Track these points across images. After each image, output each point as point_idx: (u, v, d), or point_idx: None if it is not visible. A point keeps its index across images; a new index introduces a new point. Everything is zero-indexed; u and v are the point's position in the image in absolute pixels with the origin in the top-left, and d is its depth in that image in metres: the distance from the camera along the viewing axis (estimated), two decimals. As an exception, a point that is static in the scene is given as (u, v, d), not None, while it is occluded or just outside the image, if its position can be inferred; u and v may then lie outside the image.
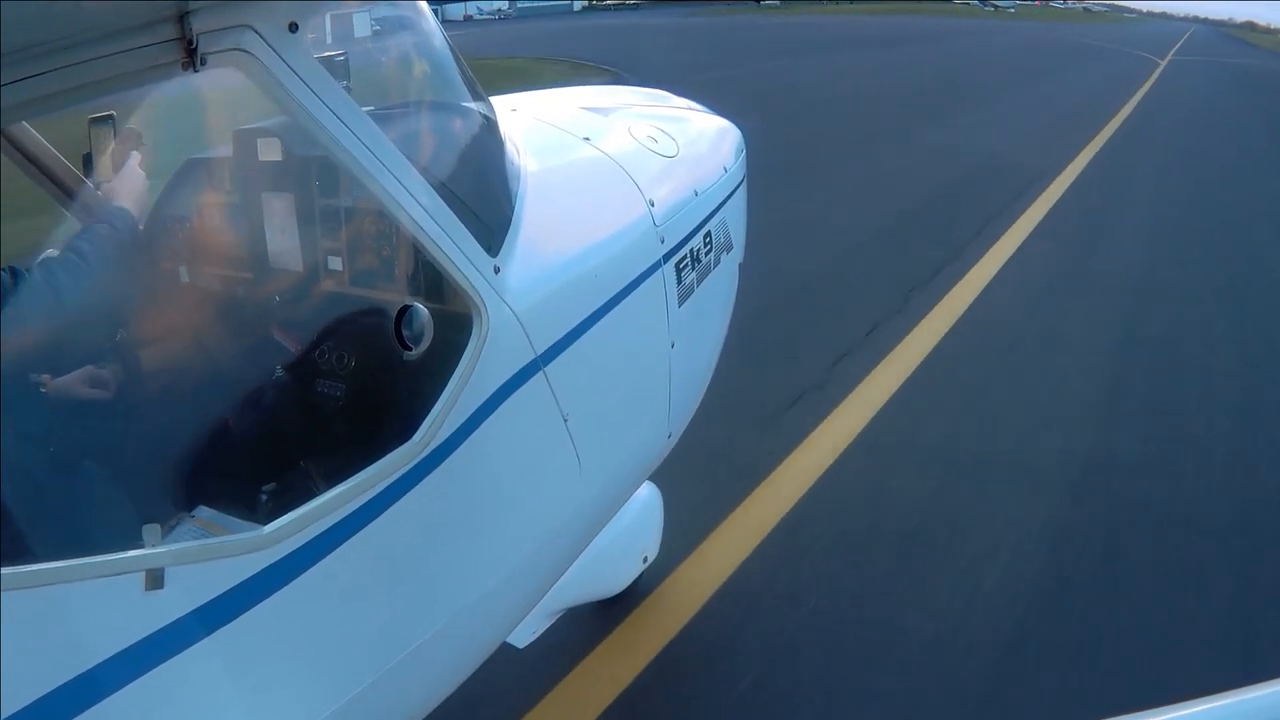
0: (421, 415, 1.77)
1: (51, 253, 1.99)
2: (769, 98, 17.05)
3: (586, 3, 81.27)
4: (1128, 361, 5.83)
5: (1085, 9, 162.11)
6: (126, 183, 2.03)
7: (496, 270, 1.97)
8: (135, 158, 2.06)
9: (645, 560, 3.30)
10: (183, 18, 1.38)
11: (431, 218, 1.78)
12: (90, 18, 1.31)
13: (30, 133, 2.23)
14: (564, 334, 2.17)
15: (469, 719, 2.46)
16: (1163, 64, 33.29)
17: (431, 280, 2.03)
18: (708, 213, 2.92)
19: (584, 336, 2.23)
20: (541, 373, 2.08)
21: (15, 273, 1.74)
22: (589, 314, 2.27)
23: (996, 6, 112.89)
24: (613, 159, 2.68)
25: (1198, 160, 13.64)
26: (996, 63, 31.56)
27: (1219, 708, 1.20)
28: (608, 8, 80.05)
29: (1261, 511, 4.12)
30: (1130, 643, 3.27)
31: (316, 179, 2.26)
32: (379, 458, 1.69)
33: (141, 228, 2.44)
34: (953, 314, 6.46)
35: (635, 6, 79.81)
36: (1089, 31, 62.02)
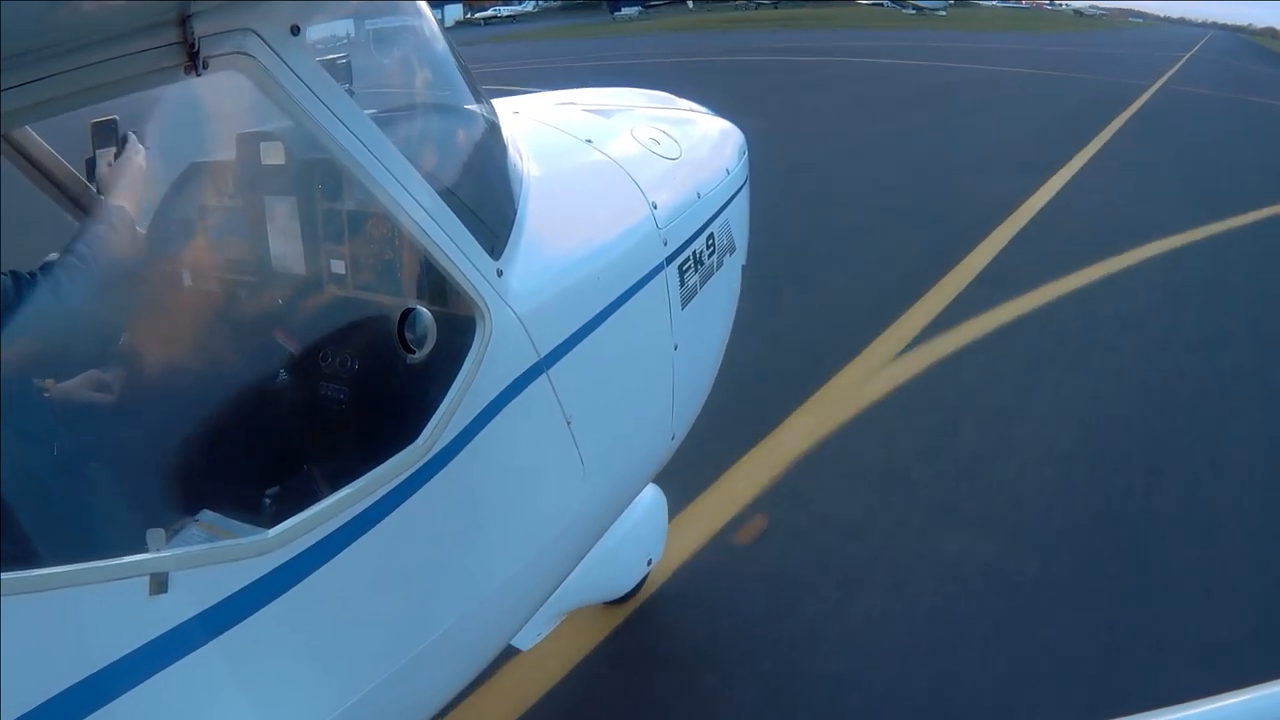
0: (425, 418, 1.77)
1: (52, 257, 1.99)
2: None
3: (462, 17, 66.88)
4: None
5: (1076, 11, 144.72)
6: (125, 180, 2.02)
7: (499, 273, 1.96)
8: (136, 153, 2.04)
9: (649, 562, 3.30)
10: (184, 21, 1.38)
11: (434, 221, 1.78)
12: (92, 22, 1.31)
13: (33, 137, 2.23)
14: (567, 337, 2.16)
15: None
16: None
17: (434, 283, 2.03)
18: (710, 215, 2.92)
19: (587, 339, 2.23)
20: (545, 375, 2.08)
21: (16, 276, 1.74)
22: (592, 317, 2.26)
23: (919, 8, 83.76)
24: (615, 161, 2.68)
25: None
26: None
27: (1222, 708, 1.20)
28: (491, 21, 67.69)
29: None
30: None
31: (319, 182, 2.26)
32: (383, 461, 1.69)
33: (142, 230, 2.44)
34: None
35: (511, 19, 68.82)
36: (972, 61, 29.09)
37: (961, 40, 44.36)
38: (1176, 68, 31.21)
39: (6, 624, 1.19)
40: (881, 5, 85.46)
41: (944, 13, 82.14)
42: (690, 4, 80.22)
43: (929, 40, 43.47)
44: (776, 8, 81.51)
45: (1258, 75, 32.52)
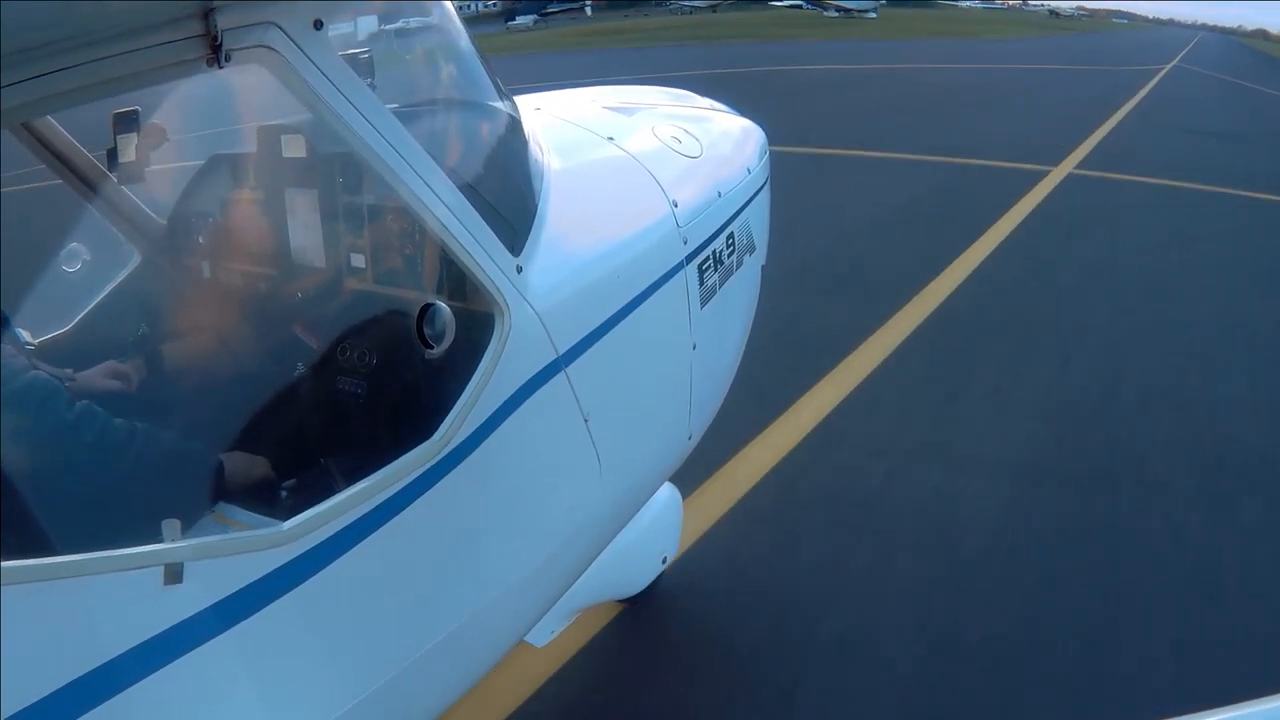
0: (442, 414, 1.77)
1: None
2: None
3: (377, 29, 61.75)
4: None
5: (1051, 12, 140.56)
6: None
7: (519, 269, 1.96)
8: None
9: (664, 561, 3.29)
10: (208, 14, 1.38)
11: (455, 216, 1.78)
12: (116, 14, 1.31)
13: (55, 127, 2.24)
14: (586, 334, 2.16)
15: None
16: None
17: (454, 279, 2.02)
18: (731, 214, 2.90)
19: (606, 337, 2.22)
20: (563, 373, 2.08)
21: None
22: (611, 314, 2.26)
23: (843, 10, 71.20)
24: (636, 159, 2.67)
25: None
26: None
27: (1241, 715, 1.18)
28: (405, 34, 62.03)
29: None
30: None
31: (340, 176, 2.26)
32: (399, 456, 1.69)
33: (163, 221, 2.46)
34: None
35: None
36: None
37: (846, 57, 30.52)
38: (1144, 93, 22.05)
39: (23, 612, 1.20)
40: (800, 8, 76.22)
41: (874, 15, 69.55)
42: (588, 10, 73.37)
43: (803, 57, 29.95)
44: (715, 11, 74.54)
45: (1267, 105, 22.44)
